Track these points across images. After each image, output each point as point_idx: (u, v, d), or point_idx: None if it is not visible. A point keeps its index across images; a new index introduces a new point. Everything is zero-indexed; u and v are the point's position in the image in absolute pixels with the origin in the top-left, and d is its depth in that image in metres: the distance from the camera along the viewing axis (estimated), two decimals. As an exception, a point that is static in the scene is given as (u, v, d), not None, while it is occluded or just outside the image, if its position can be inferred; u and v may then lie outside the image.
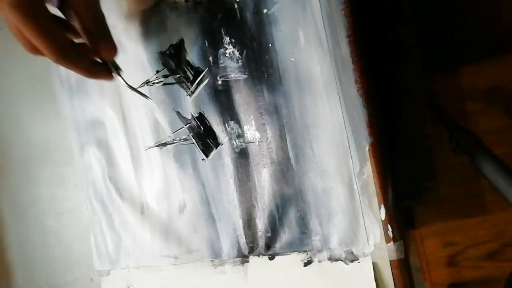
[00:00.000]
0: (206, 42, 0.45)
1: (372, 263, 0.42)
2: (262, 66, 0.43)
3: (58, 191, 0.56)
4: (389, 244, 0.41)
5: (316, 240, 0.43)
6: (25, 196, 0.57)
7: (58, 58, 0.37)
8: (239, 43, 0.44)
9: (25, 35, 0.36)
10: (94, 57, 0.40)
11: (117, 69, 0.41)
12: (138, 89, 0.48)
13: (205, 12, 0.45)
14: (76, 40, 0.40)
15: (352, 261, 0.43)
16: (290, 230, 0.44)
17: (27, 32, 0.35)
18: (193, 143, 0.47)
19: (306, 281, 0.44)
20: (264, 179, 0.45)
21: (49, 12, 0.36)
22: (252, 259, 0.46)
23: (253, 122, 0.44)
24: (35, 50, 0.38)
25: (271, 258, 0.46)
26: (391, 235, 0.41)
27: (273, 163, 0.44)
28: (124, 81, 0.42)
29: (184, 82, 0.46)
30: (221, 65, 0.45)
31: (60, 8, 0.38)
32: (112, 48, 0.40)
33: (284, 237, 0.45)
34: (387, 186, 0.41)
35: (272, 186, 0.44)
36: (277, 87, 0.43)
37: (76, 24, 0.38)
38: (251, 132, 0.45)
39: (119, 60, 0.49)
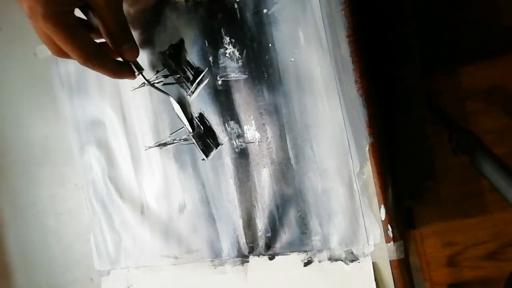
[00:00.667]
0: (206, 42, 0.45)
1: (372, 263, 0.42)
2: (262, 66, 0.43)
3: (58, 191, 0.56)
4: (389, 244, 0.41)
5: (316, 240, 0.43)
6: (25, 196, 0.57)
7: (86, 61, 0.39)
8: (239, 43, 0.44)
9: (53, 40, 0.38)
10: (116, 57, 0.43)
11: (139, 69, 0.44)
12: (138, 88, 0.49)
13: (205, 12, 0.45)
14: (97, 40, 0.42)
15: (352, 261, 0.43)
16: (290, 230, 0.44)
17: (57, 39, 0.38)
18: (193, 143, 0.47)
19: (306, 281, 0.44)
20: (264, 179, 0.45)
21: (76, 18, 0.38)
22: (252, 259, 0.46)
23: (253, 122, 0.44)
24: (62, 54, 0.41)
25: (271, 258, 0.46)
26: (391, 235, 0.41)
27: (273, 163, 0.44)
28: (146, 79, 0.44)
29: (184, 82, 0.46)
30: (221, 65, 0.45)
31: (82, 10, 0.40)
32: (135, 49, 0.42)
33: (284, 237, 0.45)
34: (387, 186, 0.41)
35: (272, 186, 0.44)
36: (277, 87, 0.43)
37: (99, 26, 0.39)
38: (251, 132, 0.45)
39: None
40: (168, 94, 0.45)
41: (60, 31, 0.37)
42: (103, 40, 0.42)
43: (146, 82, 0.44)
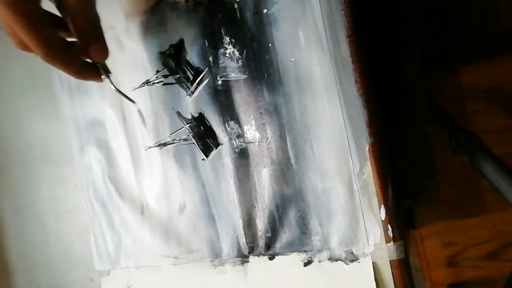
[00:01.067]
0: (206, 42, 0.45)
1: (372, 263, 0.42)
2: (262, 66, 0.43)
3: (58, 191, 0.56)
4: (389, 244, 0.41)
5: (316, 240, 0.43)
6: (25, 196, 0.57)
7: (46, 56, 0.36)
8: (239, 43, 0.44)
9: (15, 30, 0.35)
10: (84, 57, 0.40)
11: (107, 72, 0.41)
12: (137, 88, 0.49)
13: (205, 12, 0.45)
14: (70, 39, 0.40)
15: (352, 261, 0.43)
16: (290, 230, 0.44)
17: (17, 29, 0.35)
18: (193, 143, 0.47)
19: (306, 281, 0.44)
20: (264, 179, 0.45)
21: (42, 10, 0.36)
22: (252, 259, 0.46)
23: (253, 122, 0.44)
24: (26, 47, 0.37)
25: (271, 258, 0.46)
26: (391, 235, 0.41)
27: (273, 163, 0.44)
28: (112, 84, 0.42)
29: (184, 82, 0.46)
30: (221, 65, 0.45)
31: (57, 7, 0.38)
32: (103, 50, 0.39)
33: (284, 237, 0.45)
34: (387, 186, 0.41)
35: (272, 186, 0.44)
36: (277, 87, 0.43)
37: (69, 23, 0.38)
38: (251, 132, 0.45)
39: (119, 60, 0.49)
40: (134, 102, 0.44)
41: (21, 21, 0.34)
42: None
43: (113, 87, 0.42)
